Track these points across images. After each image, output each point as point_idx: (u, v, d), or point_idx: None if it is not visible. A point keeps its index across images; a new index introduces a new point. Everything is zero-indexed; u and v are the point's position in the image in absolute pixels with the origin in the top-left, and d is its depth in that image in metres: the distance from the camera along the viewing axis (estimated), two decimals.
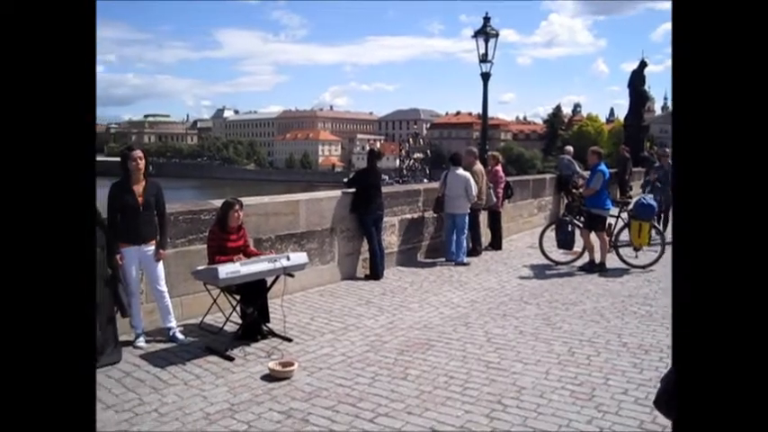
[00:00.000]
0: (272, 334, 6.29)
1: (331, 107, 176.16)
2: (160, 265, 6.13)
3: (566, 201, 14.57)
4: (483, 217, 11.61)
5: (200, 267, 6.03)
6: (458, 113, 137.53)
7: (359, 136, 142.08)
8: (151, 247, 6.05)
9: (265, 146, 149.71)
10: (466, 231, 10.40)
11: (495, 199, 11.51)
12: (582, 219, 10.25)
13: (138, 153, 6.04)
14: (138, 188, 5.94)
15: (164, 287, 6.18)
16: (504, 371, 5.42)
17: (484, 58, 14.06)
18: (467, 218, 10.34)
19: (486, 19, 14.03)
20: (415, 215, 10.55)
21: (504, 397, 4.85)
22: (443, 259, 10.53)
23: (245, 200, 7.16)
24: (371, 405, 4.68)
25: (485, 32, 14.07)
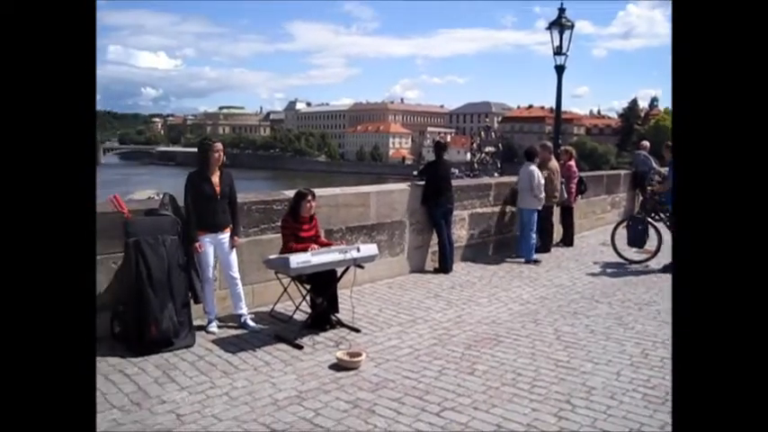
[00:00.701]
0: (341, 324, 6.36)
1: (402, 100, 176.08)
2: (233, 253, 6.28)
3: (641, 198, 14.17)
4: (555, 212, 11.41)
5: (271, 256, 6.14)
6: (530, 107, 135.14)
7: (429, 129, 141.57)
8: (225, 235, 6.20)
9: (336, 138, 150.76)
10: (533, 228, 10.17)
11: (565, 194, 11.29)
12: (662, 216, 9.99)
13: (220, 145, 6.22)
14: (215, 178, 6.10)
15: (236, 274, 6.32)
16: (573, 370, 5.32)
17: (558, 51, 13.75)
18: (533, 214, 10.12)
19: (561, 10, 13.72)
20: (486, 209, 10.45)
21: (573, 397, 4.76)
22: (514, 255, 10.41)
23: (317, 191, 7.23)
24: (438, 399, 4.68)
25: (559, 24, 13.75)
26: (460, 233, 9.93)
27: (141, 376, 5.02)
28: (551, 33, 13.89)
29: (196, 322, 6.05)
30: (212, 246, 6.15)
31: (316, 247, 6.14)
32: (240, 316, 6.35)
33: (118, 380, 4.94)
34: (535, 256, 10.11)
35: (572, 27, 13.86)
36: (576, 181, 11.74)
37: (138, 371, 5.12)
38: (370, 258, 6.29)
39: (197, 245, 5.99)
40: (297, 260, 5.65)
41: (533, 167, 10.09)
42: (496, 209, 10.62)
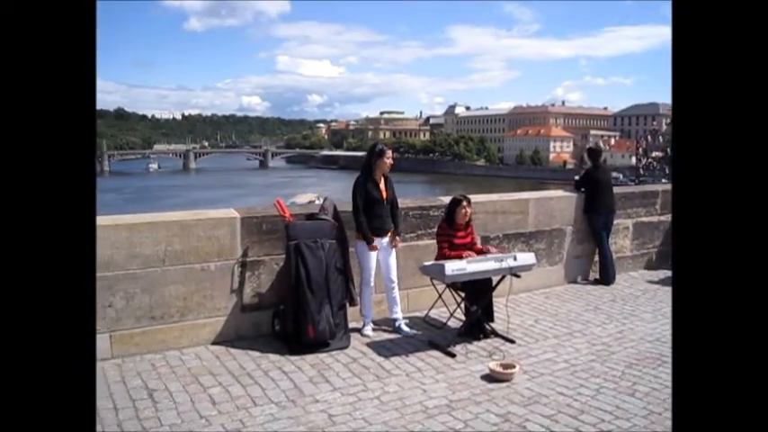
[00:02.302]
0: (495, 334, 6.24)
1: (563, 102, 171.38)
2: (394, 258, 6.36)
3: None
4: None
5: (427, 263, 6.14)
6: None
7: (592, 132, 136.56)
8: (387, 239, 6.30)
9: (495, 142, 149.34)
10: None
11: None
12: None
13: (391, 152, 6.35)
14: (381, 183, 6.22)
15: (395, 279, 6.39)
16: None
17: None
18: None
19: None
20: (652, 218, 9.86)
21: None
22: None
23: (474, 197, 7.16)
24: (593, 419, 4.45)
25: None
26: (624, 243, 9.45)
27: (297, 374, 5.20)
28: None
29: (351, 325, 6.18)
30: (376, 249, 6.26)
31: (471, 254, 6.08)
32: (395, 320, 6.42)
33: (276, 376, 5.15)
34: None
35: None
36: None
37: (295, 369, 5.31)
38: (527, 267, 6.12)
39: (374, 244, 6.14)
40: (452, 267, 5.62)
41: None
42: (664, 218, 9.98)
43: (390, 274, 6.36)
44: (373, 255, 6.24)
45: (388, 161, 6.24)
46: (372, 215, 6.15)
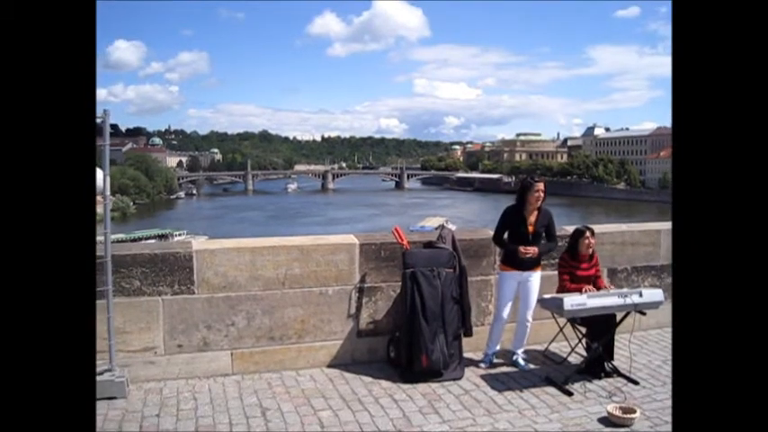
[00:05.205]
0: (617, 373, 5.91)
1: None
2: (535, 296, 6.10)
3: None
4: None
5: (546, 296, 5.93)
6: None
7: None
8: (532, 275, 6.09)
9: (637, 164, 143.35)
10: None
11: None
12: None
13: (541, 185, 6.00)
14: (532, 218, 6.00)
15: (530, 318, 6.16)
16: None
17: None
18: None
19: None
20: None
21: None
22: None
23: (601, 227, 6.88)
24: None
25: None
26: None
27: (408, 403, 5.17)
28: None
29: (467, 355, 6.08)
30: (516, 283, 6.09)
31: (591, 288, 5.83)
32: (513, 353, 6.24)
33: (386, 404, 5.15)
34: None
35: None
36: None
37: (406, 398, 5.29)
38: (654, 305, 5.75)
39: (521, 249, 5.88)
40: (571, 302, 5.41)
41: None
42: None
43: (528, 312, 6.13)
44: (512, 288, 6.09)
45: (536, 194, 5.90)
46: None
